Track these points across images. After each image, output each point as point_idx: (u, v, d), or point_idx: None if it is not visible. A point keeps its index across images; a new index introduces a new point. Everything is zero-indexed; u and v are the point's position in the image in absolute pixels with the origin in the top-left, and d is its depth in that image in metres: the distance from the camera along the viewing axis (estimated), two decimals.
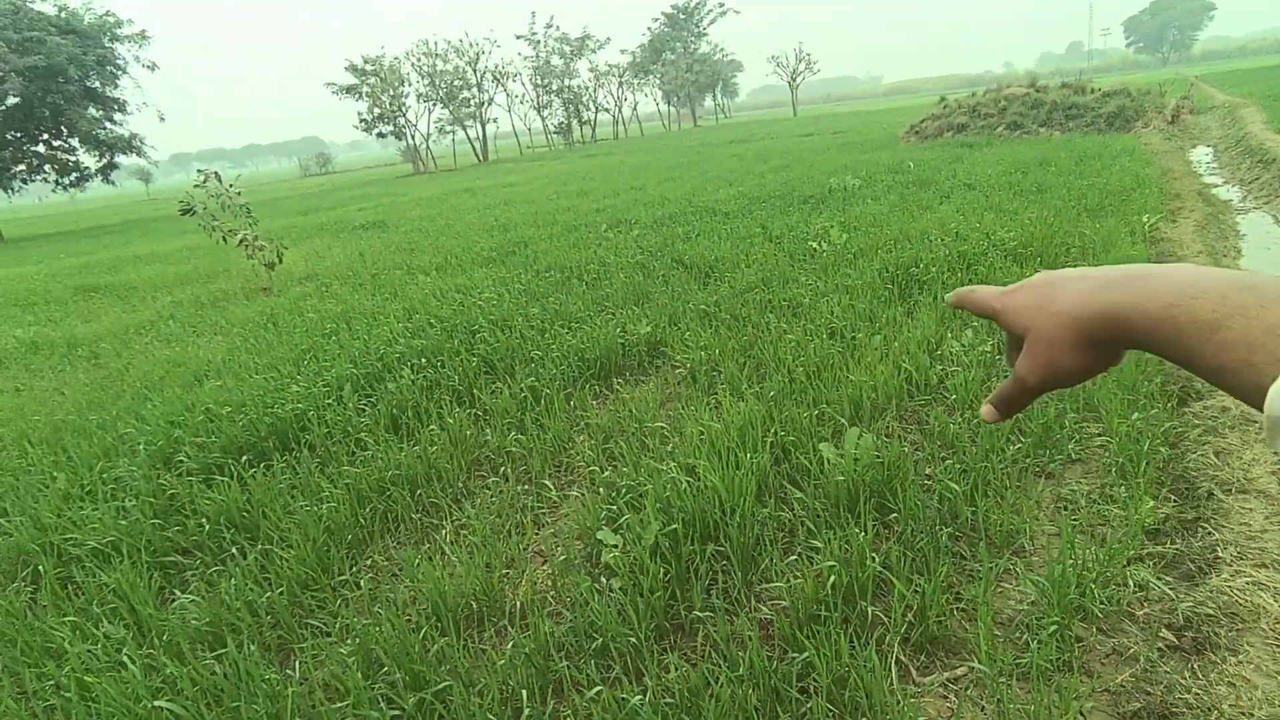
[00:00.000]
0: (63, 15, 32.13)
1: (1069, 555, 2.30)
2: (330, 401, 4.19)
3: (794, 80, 76.01)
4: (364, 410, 4.10)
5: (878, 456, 2.84)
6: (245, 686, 2.17)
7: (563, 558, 2.68)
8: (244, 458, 3.66)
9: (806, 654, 2.03)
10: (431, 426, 3.79)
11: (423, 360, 4.71)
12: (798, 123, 48.08)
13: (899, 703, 1.92)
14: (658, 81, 76.45)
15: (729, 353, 4.26)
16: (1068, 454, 3.03)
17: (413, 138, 51.93)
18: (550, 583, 2.61)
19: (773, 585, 2.38)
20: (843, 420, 3.30)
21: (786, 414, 3.34)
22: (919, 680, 2.06)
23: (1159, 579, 2.28)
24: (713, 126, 68.36)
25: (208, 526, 3.09)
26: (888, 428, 3.30)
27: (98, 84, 33.26)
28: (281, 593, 2.62)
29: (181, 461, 3.68)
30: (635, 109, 77.03)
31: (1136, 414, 3.12)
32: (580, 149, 51.60)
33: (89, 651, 2.36)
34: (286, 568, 2.72)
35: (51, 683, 2.27)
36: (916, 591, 2.24)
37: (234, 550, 2.94)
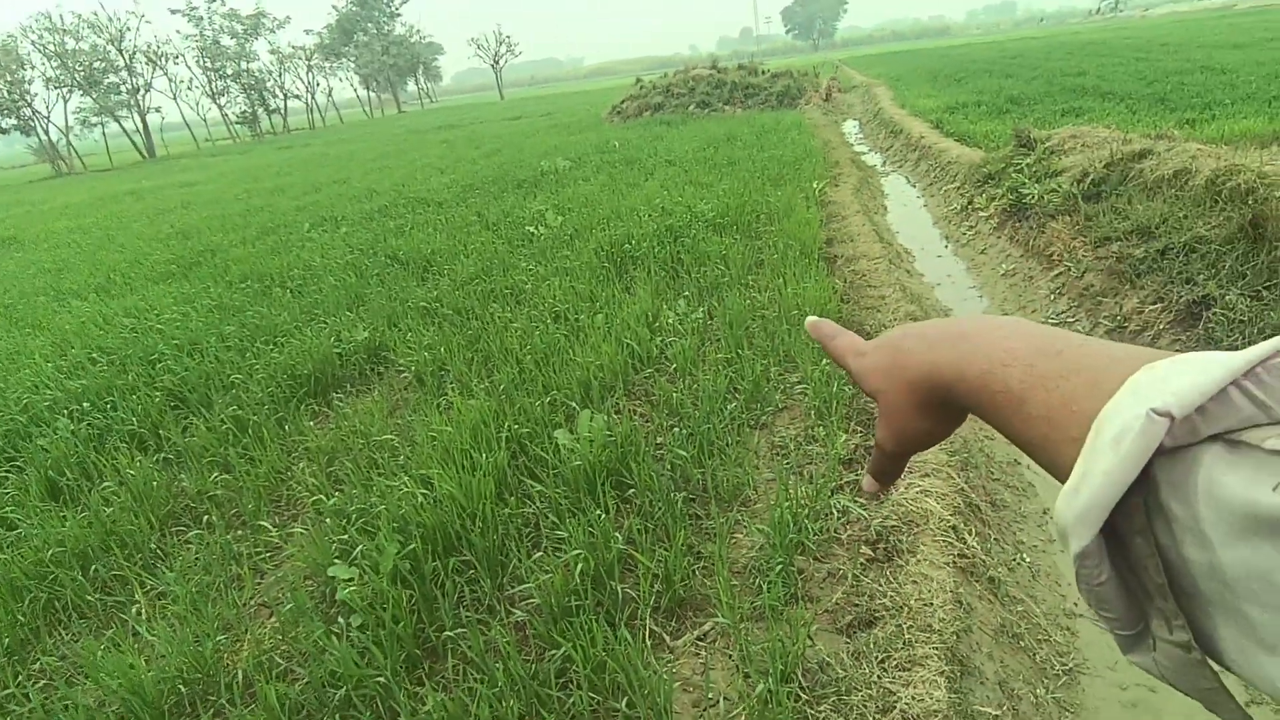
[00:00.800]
0: None
1: (785, 497, 2.55)
2: None
3: (497, 63, 75.60)
4: (7, 479, 3.30)
5: (610, 435, 2.91)
6: None
7: (290, 606, 2.38)
8: None
9: (563, 649, 2.01)
10: (105, 484, 3.16)
11: (85, 404, 3.91)
12: (505, 106, 47.97)
13: (656, 673, 1.99)
14: (352, 65, 71.41)
15: (455, 349, 4.10)
16: (776, 404, 3.36)
17: (46, 132, 42.88)
18: (279, 638, 2.31)
19: (523, 586, 2.33)
20: (574, 404, 3.33)
21: (519, 405, 3.30)
22: (672, 645, 2.15)
23: (855, 503, 2.62)
24: (418, 112, 65.72)
25: None
26: (618, 405, 3.40)
27: None
28: None
29: None
30: (330, 95, 71.24)
31: (825, 361, 3.55)
32: (271, 140, 46.58)
33: None
34: None
35: None
36: (660, 561, 2.33)
37: None
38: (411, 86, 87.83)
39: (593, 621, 2.07)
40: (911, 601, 2.13)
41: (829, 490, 2.68)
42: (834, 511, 2.59)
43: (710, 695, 1.96)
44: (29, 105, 42.18)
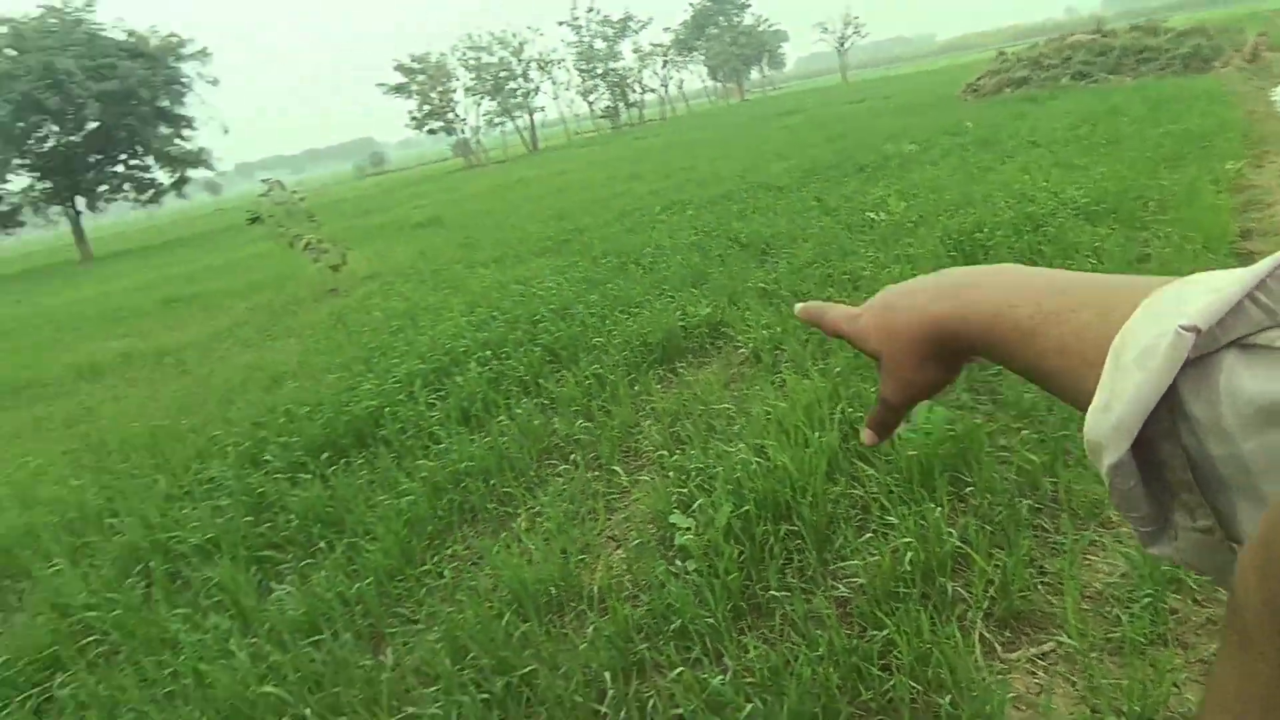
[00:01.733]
0: (131, 39, 33.64)
1: None
2: (402, 398, 4.32)
3: (842, 45, 73.94)
4: (434, 405, 4.22)
5: (951, 429, 2.78)
6: (343, 672, 2.28)
7: (637, 542, 2.72)
8: (324, 455, 3.82)
9: (886, 631, 2.02)
10: (500, 418, 3.88)
11: (488, 353, 4.81)
12: (848, 89, 46.83)
13: (985, 679, 1.90)
14: (702, 57, 75.47)
15: (791, 330, 4.22)
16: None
17: (463, 132, 52.67)
18: (625, 567, 2.65)
19: (848, 563, 2.37)
20: None
21: (853, 390, 3.30)
22: (1004, 656, 2.02)
23: None
24: (760, 99, 67.18)
25: (296, 522, 3.24)
26: (959, 400, 3.22)
27: (166, 103, 34.78)
28: (370, 583, 2.73)
29: (268, 460, 3.86)
30: (681, 87, 76.28)
31: None
32: (628, 131, 51.44)
33: (200, 641, 2.52)
34: (372, 560, 2.84)
35: (169, 671, 2.43)
36: (997, 566, 2.19)
37: (322, 544, 3.08)
38: (755, 74, 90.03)
39: (920, 611, 2.04)
40: None
41: None
42: None
43: None
44: (453, 110, 52.07)
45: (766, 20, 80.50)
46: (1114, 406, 0.32)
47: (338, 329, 6.73)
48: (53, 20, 31.43)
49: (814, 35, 76.05)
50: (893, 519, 2.44)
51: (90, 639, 2.75)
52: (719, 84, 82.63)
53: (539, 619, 2.42)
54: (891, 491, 2.61)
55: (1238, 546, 0.32)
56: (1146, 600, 2.02)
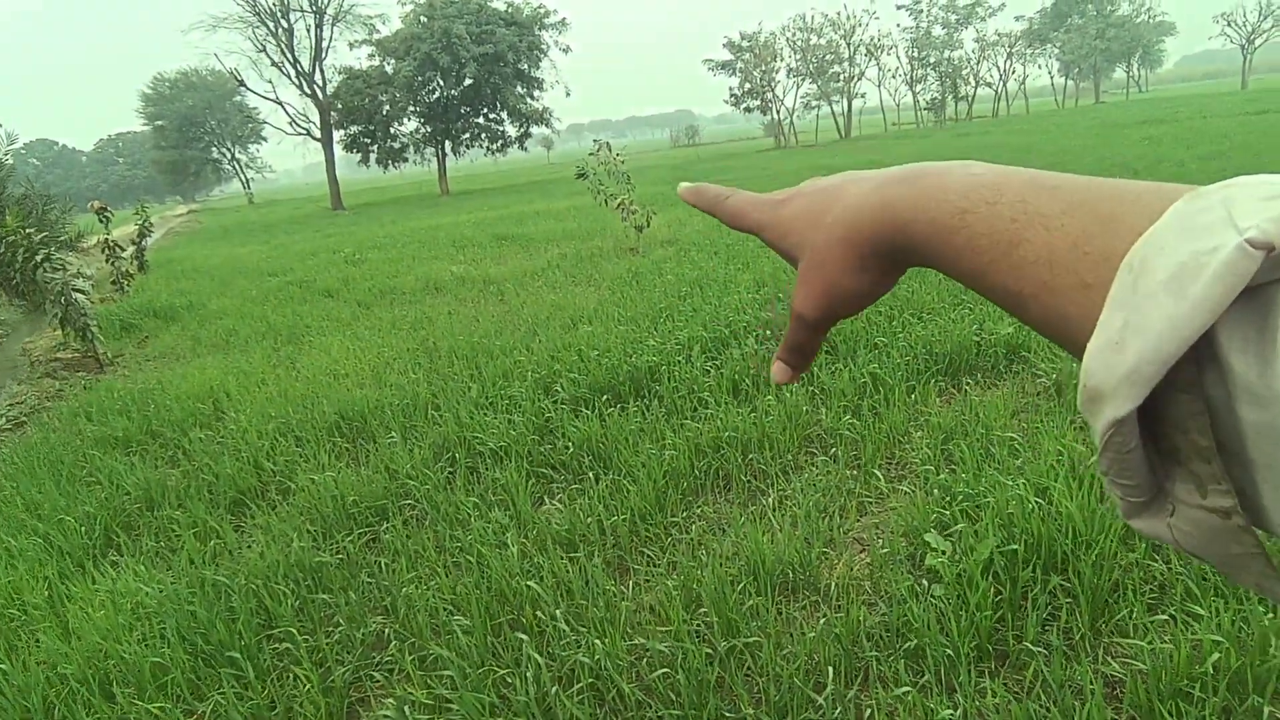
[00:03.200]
0: (509, 10, 38.67)
1: None
2: (680, 359, 4.58)
3: (1250, 43, 61.02)
4: (708, 372, 4.40)
5: None
6: (590, 589, 2.54)
7: (884, 550, 2.63)
8: (604, 397, 4.19)
9: None
10: (768, 397, 3.94)
11: (767, 332, 4.89)
12: (1246, 97, 38.67)
13: None
14: (1057, 51, 67.11)
15: None
16: None
17: (777, 112, 52.84)
18: (867, 572, 2.59)
19: (1129, 641, 2.08)
20: None
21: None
22: None
23: None
24: (1119, 102, 58.22)
25: (572, 450, 3.63)
26: None
27: (525, 66, 39.52)
28: (625, 519, 2.99)
29: (558, 391, 4.34)
30: (1023, 83, 68.67)
31: None
32: (952, 127, 47.79)
33: (484, 528, 2.96)
34: (631, 499, 3.09)
35: (459, 545, 2.90)
36: None
37: (590, 475, 3.42)
38: (1119, 73, 78.05)
39: None
40: None
41: None
42: None
43: None
44: (772, 90, 52.42)
45: (1149, 9, 68.85)
46: (1130, 343, 0.24)
47: (633, 285, 7.27)
48: None
49: (1212, 30, 63.54)
50: (1200, 610, 2.08)
51: (407, 501, 3.37)
52: (1070, 81, 72.97)
53: (771, 596, 2.47)
54: (1205, 579, 2.23)
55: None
56: None
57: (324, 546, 3.10)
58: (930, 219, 0.35)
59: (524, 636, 2.31)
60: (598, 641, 2.22)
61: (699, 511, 3.12)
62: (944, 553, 2.46)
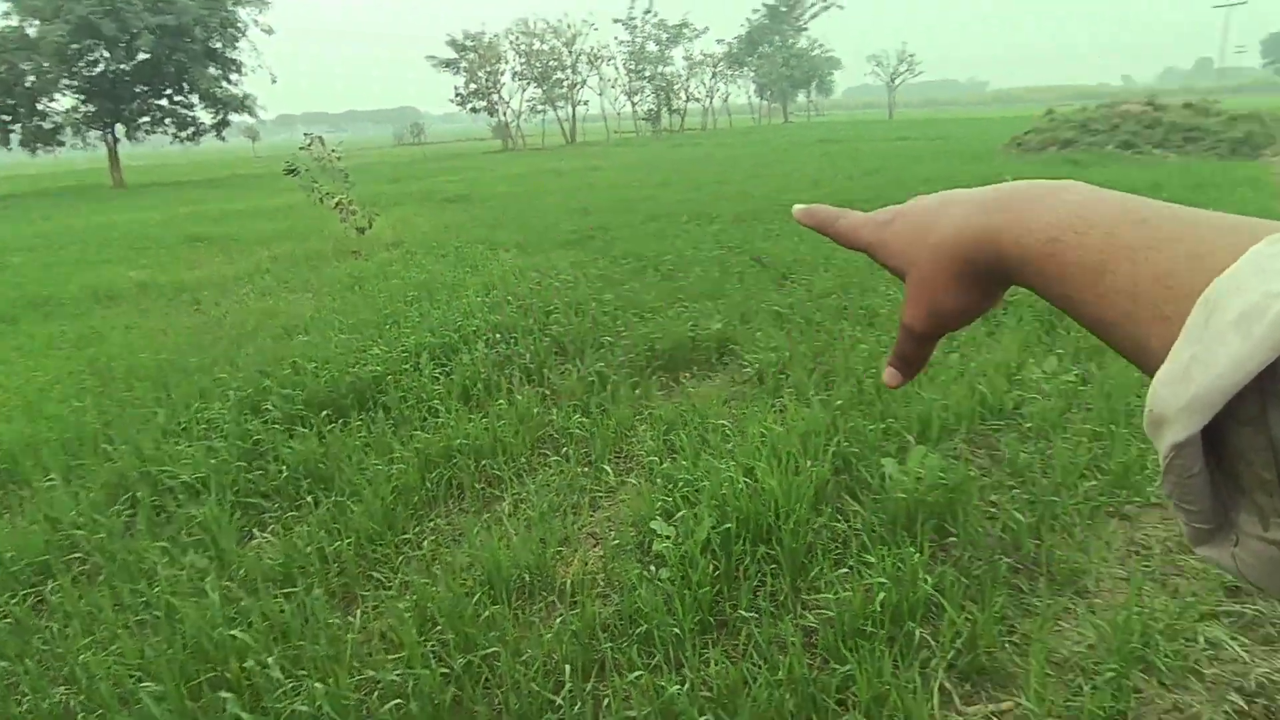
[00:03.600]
0: None
1: (1136, 602, 2.22)
2: (407, 368, 4.36)
3: (893, 81, 73.83)
4: (438, 379, 4.25)
5: (942, 477, 2.79)
6: (310, 627, 2.31)
7: (615, 542, 2.74)
8: (324, 412, 3.85)
9: (848, 667, 2.03)
10: (500, 401, 3.90)
11: (497, 336, 4.85)
12: (893, 125, 46.77)
13: None
14: (752, 74, 75.54)
15: (799, 357, 4.23)
16: (1146, 498, 2.90)
17: (504, 114, 52.88)
18: (600, 565, 2.67)
19: (820, 595, 2.38)
20: (910, 437, 3.24)
21: (852, 425, 3.31)
22: (962, 709, 2.03)
23: (1234, 639, 2.18)
24: (803, 123, 67.18)
25: (286, 473, 3.28)
26: (956, 449, 3.23)
27: (219, 44, 35.02)
28: (350, 543, 2.77)
29: (268, 410, 3.90)
30: (726, 100, 76.33)
31: None
32: (667, 138, 51.54)
33: (176, 576, 2.55)
34: (356, 520, 2.87)
35: (143, 600, 2.47)
36: (968, 619, 2.20)
37: (309, 499, 3.12)
38: (801, 98, 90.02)
39: (884, 652, 2.05)
40: None
41: (1198, 613, 2.26)
42: (1200, 639, 2.18)
43: None
44: (498, 92, 52.30)
45: (821, 45, 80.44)
46: (1195, 376, 0.26)
47: (355, 291, 6.79)
48: None
49: (866, 67, 76.08)
50: (871, 558, 2.45)
51: (76, 555, 2.80)
52: (764, 102, 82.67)
53: (509, 603, 2.45)
54: (874, 530, 2.63)
55: None
56: (1111, 675, 2.02)
57: None
58: (1023, 247, 0.37)
59: (228, 695, 2.02)
60: (319, 684, 2.02)
61: (432, 525, 3.00)
62: (668, 538, 2.62)
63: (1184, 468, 0.27)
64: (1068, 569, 2.49)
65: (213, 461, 3.35)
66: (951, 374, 3.84)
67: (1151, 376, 0.30)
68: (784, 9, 77.13)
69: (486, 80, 51.80)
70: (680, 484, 2.97)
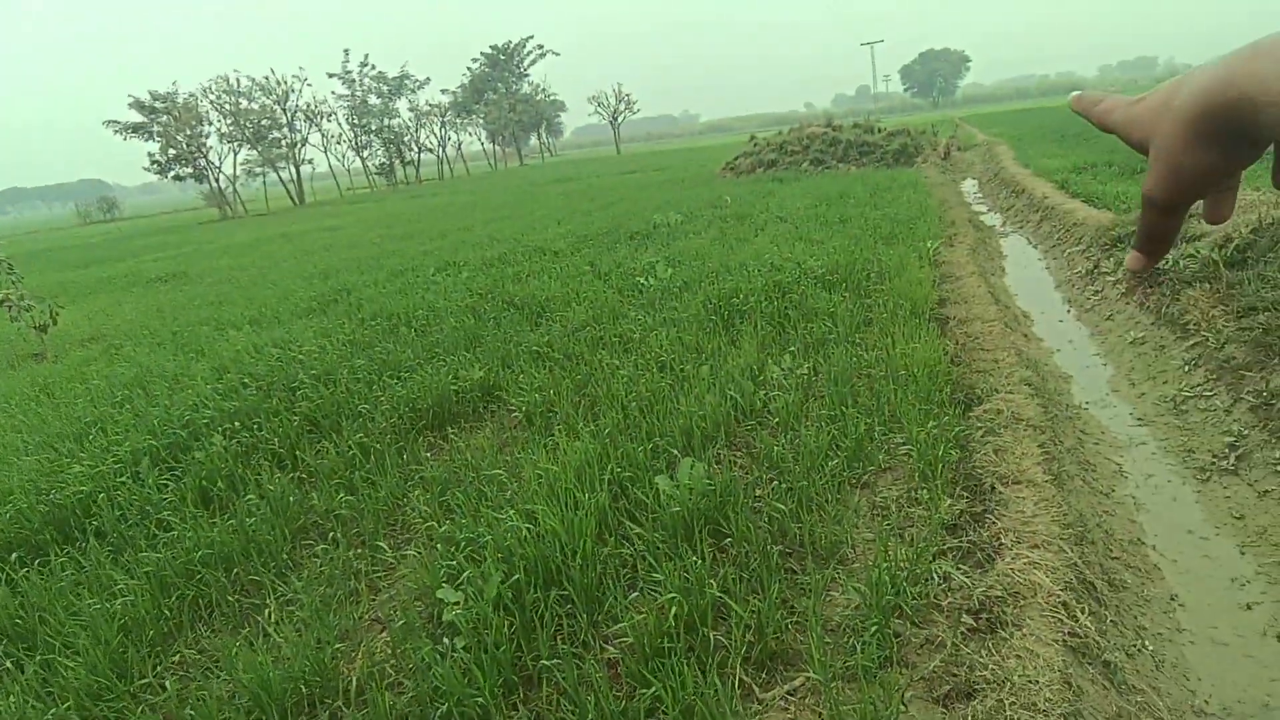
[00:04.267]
0: None
1: (884, 558, 2.51)
2: (124, 479, 3.74)
3: (615, 119, 78.61)
4: (166, 485, 3.70)
5: (710, 484, 2.96)
6: None
7: (401, 622, 2.55)
8: (13, 555, 3.17)
9: (654, 689, 2.06)
10: (249, 496, 3.49)
11: (236, 423, 4.33)
12: (621, 161, 49.67)
13: None
14: (481, 121, 76.20)
15: (564, 392, 4.28)
16: (879, 464, 3.31)
17: (217, 180, 47.95)
18: (389, 651, 2.47)
19: (618, 625, 2.40)
20: (676, 451, 3.41)
21: (622, 450, 3.41)
22: (761, 696, 2.15)
23: (958, 569, 2.54)
24: (539, 165, 69.02)
25: None
26: (718, 455, 3.45)
27: None
28: (68, 708, 2.28)
29: None
30: (460, 148, 76.17)
31: (932, 422, 3.48)
32: (405, 190, 50.12)
33: None
34: (73, 678, 2.38)
35: None
36: (754, 611, 2.34)
37: (8, 665, 2.53)
38: (534, 141, 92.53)
39: (684, 665, 2.11)
40: (1015, 677, 2.05)
41: (930, 555, 2.62)
42: (935, 577, 2.52)
43: None
44: (204, 156, 47.34)
45: (545, 90, 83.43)
46: None
47: (41, 401, 5.70)
48: None
49: (589, 108, 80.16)
50: (659, 575, 2.52)
51: None
52: (498, 147, 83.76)
53: None
54: (658, 548, 2.71)
55: None
56: (874, 629, 2.26)
57: None
58: (1267, 88, 0.36)
59: None
60: None
61: (177, 659, 2.57)
62: (457, 603, 2.49)
63: None
64: (828, 543, 2.75)
65: None
66: (705, 385, 4.11)
67: None
68: (503, 57, 78.97)
69: (188, 144, 46.67)
70: (463, 544, 2.85)
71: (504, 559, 2.64)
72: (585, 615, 2.44)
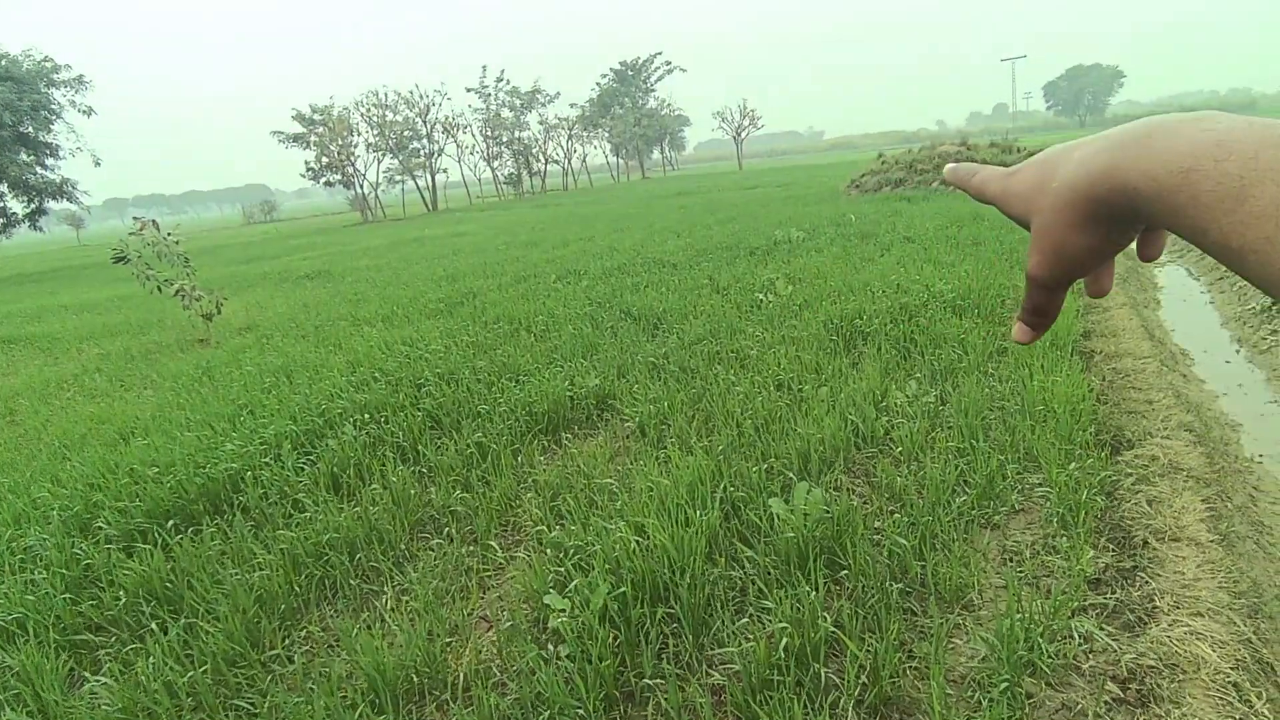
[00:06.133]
0: (1, 63, 31.29)
1: (1015, 609, 2.31)
2: (267, 460, 4.02)
3: (739, 134, 78.39)
4: (303, 469, 3.94)
5: (826, 511, 2.84)
6: None
7: (509, 624, 2.58)
8: (170, 523, 3.46)
9: None
10: (374, 485, 3.66)
11: (366, 416, 4.58)
12: (743, 176, 49.46)
13: None
14: (606, 134, 77.96)
15: (678, 405, 4.25)
16: (1011, 505, 3.08)
17: (361, 186, 51.58)
18: (495, 651, 2.50)
19: (724, 650, 2.33)
20: (791, 474, 3.30)
21: (735, 468, 3.33)
22: None
23: (1101, 629, 2.31)
24: (660, 178, 69.80)
25: (125, 600, 2.89)
26: (836, 481, 3.31)
27: (30, 129, 32.30)
28: (205, 670, 2.45)
29: (100, 528, 3.46)
30: (584, 160, 78.22)
31: (1074, 464, 3.20)
32: (530, 199, 51.98)
33: None
34: (212, 643, 2.56)
35: None
36: (869, 651, 2.21)
37: (154, 625, 2.75)
38: (656, 154, 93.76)
39: (794, 700, 2.01)
40: None
41: (1070, 610, 2.39)
42: (1075, 635, 2.30)
43: None
44: (352, 164, 51.03)
45: (669, 105, 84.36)
46: None
47: (203, 382, 6.25)
48: None
49: (714, 123, 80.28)
50: (769, 603, 2.43)
51: None
52: (621, 160, 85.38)
53: (396, 710, 2.23)
54: (769, 574, 2.62)
55: None
56: (1004, 685, 2.08)
57: None
58: (1153, 178, 0.35)
59: None
60: None
61: (304, 634, 2.72)
62: (564, 610, 2.50)
63: None
64: (953, 585, 2.57)
65: (31, 598, 2.90)
66: (823, 407, 3.96)
67: None
68: (630, 73, 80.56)
69: (339, 153, 50.46)
70: (571, 551, 2.86)
71: (611, 570, 2.63)
72: (691, 636, 2.38)
